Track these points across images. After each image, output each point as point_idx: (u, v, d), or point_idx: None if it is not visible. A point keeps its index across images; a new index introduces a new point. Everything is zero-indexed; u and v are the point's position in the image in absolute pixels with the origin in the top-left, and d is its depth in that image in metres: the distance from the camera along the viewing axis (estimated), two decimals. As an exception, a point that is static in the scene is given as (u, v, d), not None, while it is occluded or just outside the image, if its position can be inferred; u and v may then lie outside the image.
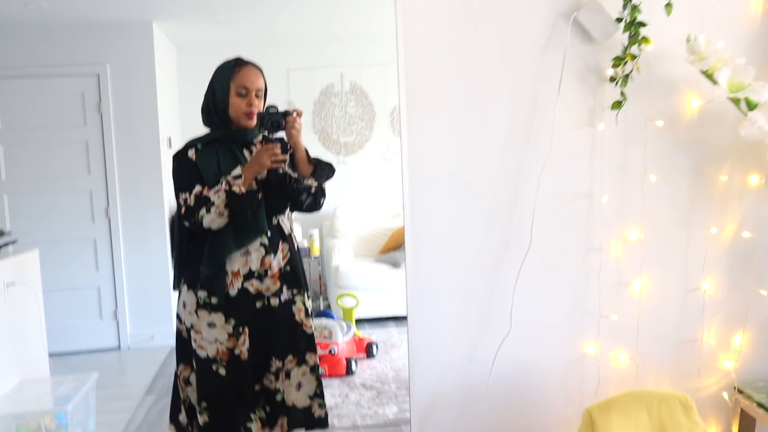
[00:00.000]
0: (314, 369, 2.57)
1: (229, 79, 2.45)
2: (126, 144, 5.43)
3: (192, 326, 2.47)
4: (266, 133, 2.39)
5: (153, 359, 5.20)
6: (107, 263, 5.49)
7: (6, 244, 3.38)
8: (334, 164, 2.42)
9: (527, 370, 2.28)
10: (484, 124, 2.23)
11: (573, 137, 2.25)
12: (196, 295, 2.45)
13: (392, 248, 6.41)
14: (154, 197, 5.50)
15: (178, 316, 2.54)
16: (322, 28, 6.11)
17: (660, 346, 2.35)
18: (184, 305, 2.49)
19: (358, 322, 5.66)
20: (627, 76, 2.24)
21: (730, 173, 2.35)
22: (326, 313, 5.20)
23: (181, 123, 6.43)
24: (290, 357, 2.53)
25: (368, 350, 5.00)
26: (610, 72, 2.27)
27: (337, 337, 4.74)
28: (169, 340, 5.46)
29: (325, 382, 4.36)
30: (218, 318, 2.44)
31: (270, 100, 2.49)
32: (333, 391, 4.31)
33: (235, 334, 2.45)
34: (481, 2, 2.26)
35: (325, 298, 6.59)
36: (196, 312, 2.45)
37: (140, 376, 4.84)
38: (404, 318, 5.94)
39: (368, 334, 5.53)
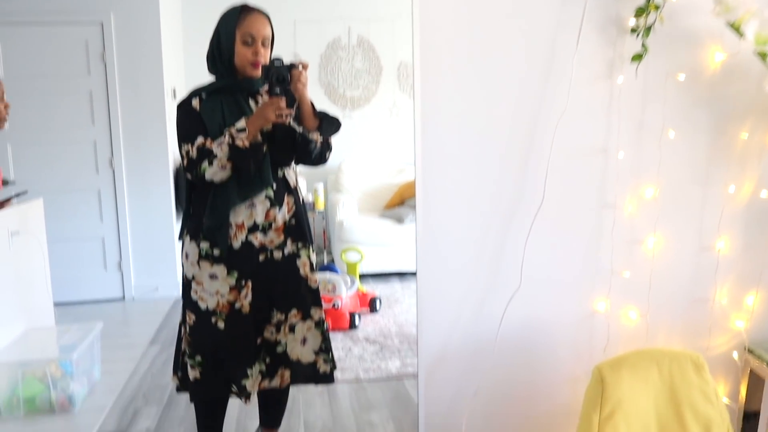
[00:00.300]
0: (319, 324, 2.54)
1: (234, 27, 2.37)
2: (130, 94, 5.38)
3: (193, 277, 2.44)
4: (271, 87, 2.32)
5: (157, 310, 5.23)
6: (111, 214, 5.48)
7: (17, 195, 3.35)
8: (340, 118, 2.37)
9: (536, 326, 2.26)
10: (499, 76, 2.17)
11: (590, 90, 2.18)
12: (198, 246, 2.42)
13: (397, 204, 6.39)
14: (158, 148, 5.45)
15: (182, 267, 2.52)
16: (330, -22, 5.99)
17: (671, 305, 2.33)
18: (187, 256, 2.46)
19: (362, 277, 5.67)
20: (649, 27, 2.17)
21: (751, 131, 2.29)
22: (330, 268, 5.21)
23: (186, 73, 6.36)
24: (294, 311, 2.51)
25: (372, 305, 5.01)
26: (632, 23, 2.20)
27: (341, 291, 4.75)
28: (173, 291, 5.49)
29: (328, 335, 4.40)
30: (220, 270, 2.41)
31: (276, 53, 2.41)
32: (336, 344, 4.33)
33: (237, 287, 2.42)
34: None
35: (329, 253, 6.59)
36: (198, 263, 2.42)
37: (144, 327, 4.86)
38: (408, 274, 6.05)
39: (372, 289, 5.54)
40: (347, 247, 5.57)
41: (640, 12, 2.18)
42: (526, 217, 2.19)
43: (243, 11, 2.39)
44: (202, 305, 2.44)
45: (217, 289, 2.42)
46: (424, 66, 2.11)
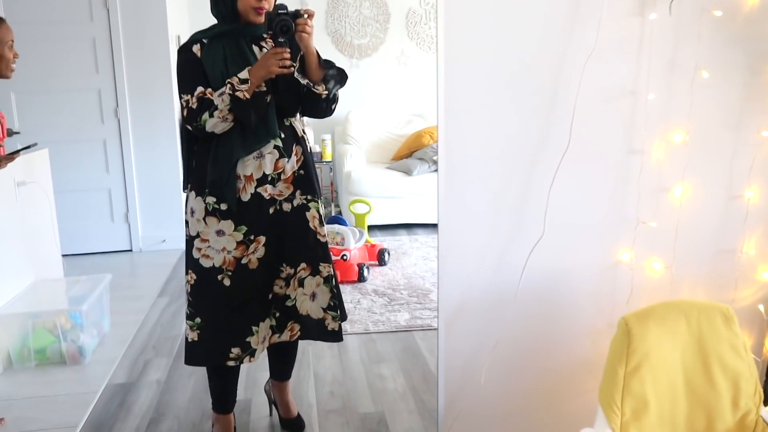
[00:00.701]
0: (328, 280, 2.47)
1: None
2: (134, 42, 5.26)
3: (198, 234, 2.35)
4: (274, 37, 2.21)
5: (165, 262, 5.21)
6: (117, 165, 5.42)
7: (26, 148, 3.27)
8: (347, 67, 2.29)
9: (558, 276, 2.20)
10: (525, 11, 2.05)
11: (620, 27, 2.07)
12: (204, 201, 2.32)
13: (405, 155, 6.32)
14: (163, 97, 5.36)
15: (186, 223, 2.42)
16: None
17: (697, 256, 2.25)
18: (192, 212, 2.36)
19: (369, 228, 5.63)
20: (687, -43, 2.04)
21: (790, 72, 2.19)
22: (338, 219, 5.17)
23: (190, 19, 6.22)
24: (303, 264, 2.43)
25: (380, 257, 4.98)
26: None
27: (350, 243, 4.71)
28: (180, 243, 5.43)
29: (336, 288, 4.38)
30: (228, 225, 2.32)
31: None
32: (345, 297, 4.28)
33: (245, 242, 2.34)
34: None
35: (337, 205, 6.55)
36: (204, 219, 2.33)
37: (153, 279, 4.85)
38: (416, 225, 6.02)
39: (380, 241, 5.51)
40: (355, 199, 5.53)
41: (676, -57, 2.05)
42: (550, 162, 2.11)
43: None
44: (206, 263, 2.35)
45: (224, 245, 2.33)
46: (447, 4, 2.00)
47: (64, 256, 4.51)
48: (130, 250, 5.57)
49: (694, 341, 1.79)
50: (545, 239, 2.13)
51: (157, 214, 5.52)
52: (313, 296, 2.46)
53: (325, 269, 2.46)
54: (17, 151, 3.14)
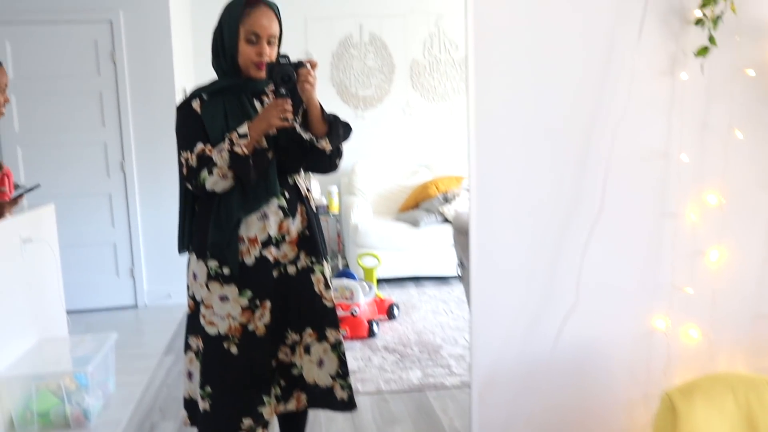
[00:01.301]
0: (336, 346, 2.35)
1: (238, 22, 2.16)
2: (141, 95, 5.26)
3: (202, 300, 2.25)
4: (275, 87, 2.12)
5: (170, 318, 5.11)
6: (123, 219, 5.36)
7: (30, 189, 3.14)
8: (352, 119, 2.22)
9: (591, 344, 2.12)
10: (556, 71, 2.02)
11: (650, 87, 2.04)
12: (206, 265, 2.22)
13: (411, 206, 6.28)
14: (170, 150, 5.26)
15: (187, 291, 2.33)
16: (343, -25, 5.88)
17: (735, 322, 2.19)
18: (195, 276, 2.27)
19: (377, 282, 5.56)
20: (718, 17, 2.01)
21: (826, 131, 2.15)
22: (347, 273, 5.09)
23: (196, 73, 6.23)
24: (309, 330, 2.33)
25: (389, 312, 4.90)
26: (698, 13, 2.04)
27: (359, 298, 4.63)
28: (186, 298, 5.35)
29: (346, 344, 4.27)
30: (231, 290, 2.21)
31: (287, 51, 2.20)
32: (355, 354, 4.21)
33: (250, 308, 2.23)
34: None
35: (344, 257, 6.47)
36: (207, 284, 2.22)
37: (158, 335, 4.75)
38: (424, 278, 5.94)
39: (388, 294, 5.43)
40: (363, 252, 5.46)
41: (707, 1, 2.02)
42: (582, 224, 2.05)
43: (248, 5, 2.18)
44: (212, 330, 2.24)
45: (228, 311, 2.22)
46: (478, 60, 1.97)
47: (68, 312, 4.42)
48: (135, 306, 5.47)
49: (744, 418, 1.70)
50: (577, 304, 2.06)
51: (163, 268, 5.43)
52: (320, 363, 2.34)
53: (332, 335, 2.35)
54: (20, 195, 3.00)
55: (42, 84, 5.12)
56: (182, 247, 2.38)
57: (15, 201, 2.88)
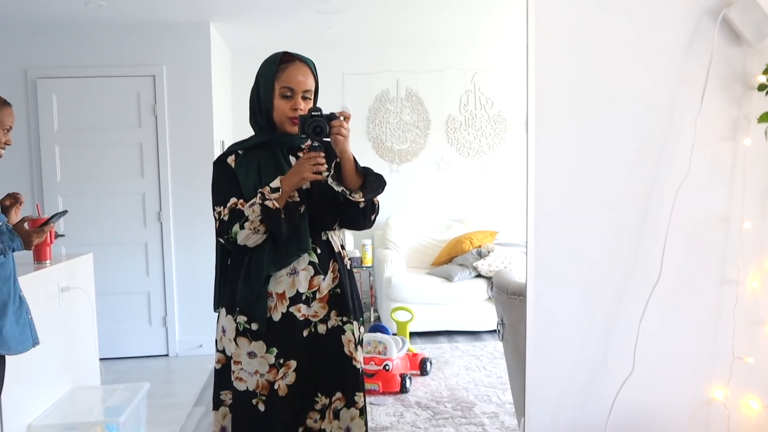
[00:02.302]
0: (363, 412, 2.27)
1: (273, 78, 2.18)
2: (180, 147, 5.34)
3: (232, 356, 2.21)
4: (308, 139, 2.11)
5: (201, 368, 5.08)
6: (158, 268, 5.40)
7: (58, 215, 3.09)
8: (387, 173, 2.20)
9: (648, 412, 2.05)
10: (617, 134, 2.01)
11: (712, 152, 2.01)
12: (235, 320, 2.18)
13: (445, 261, 6.25)
14: (206, 202, 5.29)
15: (216, 346, 2.29)
16: (380, 32, 5.99)
17: (798, 392, 2.12)
18: (224, 331, 2.23)
19: (410, 336, 5.49)
20: (782, 84, 2.00)
21: None
22: (381, 328, 5.03)
23: (234, 127, 6.32)
24: (339, 394, 2.25)
25: (422, 367, 4.83)
26: (762, 79, 2.03)
27: (392, 352, 4.57)
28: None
29: (378, 399, 4.23)
30: (259, 347, 2.17)
31: (325, 106, 2.18)
32: (387, 409, 4.14)
33: (276, 366, 2.18)
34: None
35: (376, 310, 6.43)
36: (235, 340, 2.19)
37: (189, 386, 4.72)
38: (456, 333, 5.86)
39: (420, 349, 5.36)
40: (397, 306, 5.42)
41: (772, 67, 2.01)
42: (640, 290, 2.01)
43: (283, 60, 2.20)
44: (240, 386, 2.20)
45: (256, 368, 2.18)
46: (539, 123, 1.96)
47: (100, 359, 4.41)
48: (167, 355, 5.47)
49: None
50: (634, 371, 2.00)
51: (195, 318, 5.43)
52: (348, 431, 2.26)
53: (360, 400, 2.27)
54: (47, 222, 2.96)
55: (85, 135, 5.25)
56: (218, 305, 2.33)
57: (42, 228, 2.81)
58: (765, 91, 2.02)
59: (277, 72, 2.19)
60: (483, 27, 5.91)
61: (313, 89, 2.23)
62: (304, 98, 2.20)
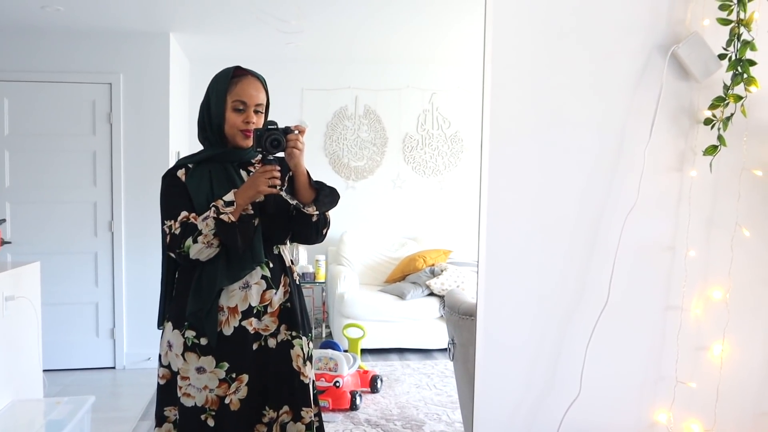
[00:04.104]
0: (310, 427, 2.27)
1: (225, 91, 2.19)
2: (134, 157, 5.27)
3: (178, 371, 2.17)
4: (264, 153, 2.10)
5: (149, 382, 4.98)
6: (107, 279, 5.30)
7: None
8: (343, 189, 2.21)
9: (592, 436, 2.10)
10: (567, 163, 2.06)
11: (659, 183, 2.08)
12: (183, 335, 2.15)
13: (398, 278, 6.27)
14: (159, 213, 5.29)
15: (160, 360, 2.24)
16: (340, 49, 6.01)
17: (738, 419, 2.17)
18: (170, 346, 2.19)
19: (361, 352, 5.48)
20: (728, 119, 2.07)
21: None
22: (333, 344, 5.02)
23: (190, 138, 6.26)
24: (286, 408, 2.25)
25: (372, 384, 4.83)
26: (707, 113, 2.10)
27: (343, 369, 4.56)
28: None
29: (327, 416, 4.21)
30: (208, 361, 2.14)
31: (282, 120, 2.19)
32: (336, 426, 4.12)
33: (226, 380, 2.16)
34: (574, 28, 2.10)
35: (328, 326, 6.40)
36: (183, 355, 2.15)
37: (135, 399, 4.63)
38: (407, 350, 5.87)
39: (371, 366, 5.36)
40: (349, 323, 5.41)
41: (718, 102, 2.09)
42: (588, 316, 2.05)
43: (235, 75, 2.22)
44: (188, 402, 2.16)
45: (205, 383, 2.15)
46: (492, 149, 2.00)
47: (44, 371, 4.30)
48: (113, 367, 5.36)
49: None
50: (580, 394, 2.04)
51: (144, 331, 5.34)
52: None
53: (307, 415, 2.26)
54: None
55: (36, 141, 5.14)
56: (162, 320, 2.29)
57: None
58: (711, 126, 2.10)
59: (229, 86, 2.20)
60: (442, 47, 5.98)
61: (264, 103, 2.25)
62: (256, 112, 2.21)
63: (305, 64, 6.50)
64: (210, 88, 2.24)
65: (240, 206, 2.10)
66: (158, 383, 2.26)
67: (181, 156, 5.67)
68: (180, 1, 4.49)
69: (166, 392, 2.23)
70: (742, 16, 2.09)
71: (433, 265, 6.12)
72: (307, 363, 2.30)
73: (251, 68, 2.27)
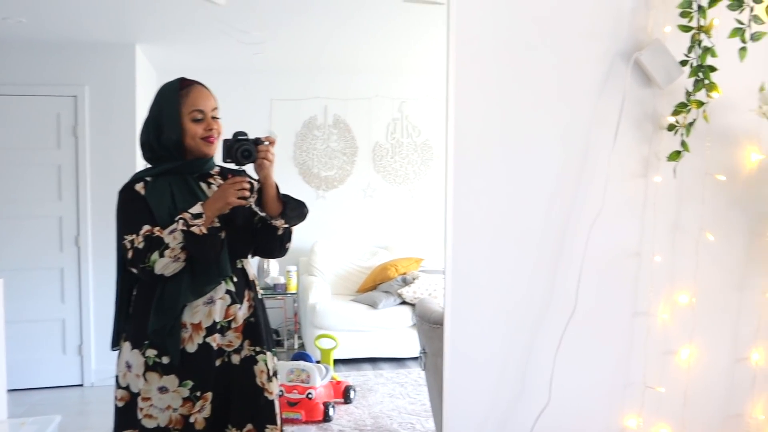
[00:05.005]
0: None
1: (178, 104, 2.13)
2: (101, 170, 5.19)
3: (139, 392, 2.09)
4: (235, 164, 2.08)
5: (118, 399, 4.90)
6: (74, 294, 5.20)
7: None
8: (314, 199, 2.19)
9: (562, 442, 2.10)
10: (533, 171, 2.07)
11: (624, 189, 2.09)
12: (143, 354, 2.08)
13: (370, 288, 6.26)
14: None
15: (117, 382, 2.16)
16: (309, 58, 5.99)
17: (706, 421, 2.19)
18: (129, 367, 2.11)
19: (334, 363, 5.46)
20: (691, 124, 2.09)
21: (788, 233, 2.22)
22: (305, 355, 4.98)
23: (157, 149, 6.19)
24: (249, 426, 2.19)
25: (345, 394, 4.80)
26: (670, 119, 2.12)
27: (315, 380, 4.53)
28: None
29: (301, 429, 4.18)
30: (171, 381, 2.08)
31: (252, 131, 2.17)
32: (311, 439, 4.10)
33: (191, 399, 2.11)
34: (537, 37, 2.11)
35: (300, 338, 6.36)
36: (144, 375, 2.08)
37: (104, 417, 4.50)
38: (380, 360, 5.85)
39: (344, 376, 5.34)
40: (321, 334, 5.39)
41: (680, 108, 2.10)
42: (556, 323, 2.06)
43: (183, 86, 2.18)
44: (150, 423, 2.09)
45: (168, 403, 2.09)
46: (457, 159, 2.00)
47: (9, 390, 4.21)
48: (81, 385, 5.26)
49: None
50: (550, 402, 2.04)
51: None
52: None
53: None
54: None
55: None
56: (118, 341, 2.22)
57: None
58: (674, 131, 2.12)
59: (180, 98, 2.15)
60: (411, 56, 5.99)
61: (218, 109, 2.21)
62: (214, 118, 2.18)
63: (274, 75, 6.47)
64: (159, 105, 2.19)
65: (209, 218, 2.06)
66: (116, 406, 2.18)
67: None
68: (145, 11, 4.45)
69: (125, 415, 2.15)
70: (702, 22, 2.12)
71: (404, 273, 6.12)
72: (273, 379, 2.26)
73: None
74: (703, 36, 2.12)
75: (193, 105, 2.14)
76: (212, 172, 2.25)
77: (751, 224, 2.18)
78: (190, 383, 2.10)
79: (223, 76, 6.32)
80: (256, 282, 2.30)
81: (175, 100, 2.15)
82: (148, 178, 2.17)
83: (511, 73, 2.11)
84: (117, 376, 2.16)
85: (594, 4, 2.16)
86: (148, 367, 2.08)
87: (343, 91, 6.70)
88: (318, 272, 6.40)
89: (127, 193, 2.16)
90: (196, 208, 2.06)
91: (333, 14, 4.59)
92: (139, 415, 2.10)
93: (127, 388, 2.13)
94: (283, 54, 5.72)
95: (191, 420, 2.11)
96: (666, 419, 2.16)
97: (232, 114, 5.68)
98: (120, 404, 2.16)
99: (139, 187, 2.15)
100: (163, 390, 2.09)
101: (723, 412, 2.21)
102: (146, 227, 2.07)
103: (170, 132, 2.13)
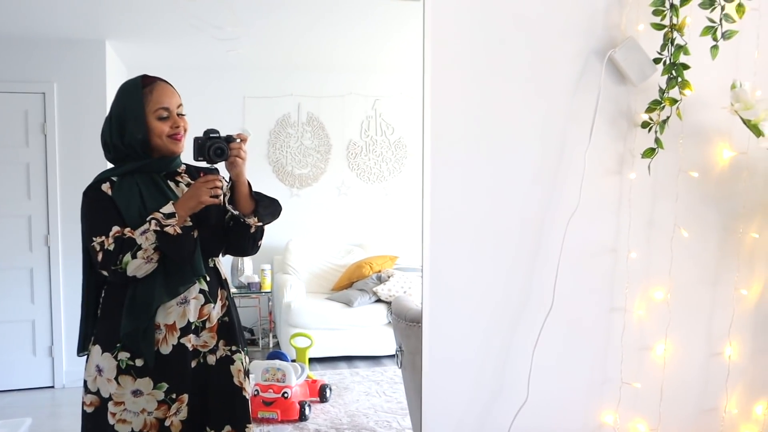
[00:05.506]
0: None
1: (141, 103, 2.08)
2: (71, 168, 5.10)
3: (110, 396, 2.04)
4: (207, 162, 2.05)
5: (90, 400, 4.84)
6: (44, 295, 5.11)
7: None
8: (288, 197, 2.16)
9: (540, 440, 2.11)
10: (509, 168, 2.08)
11: (600, 186, 2.11)
12: (115, 358, 2.04)
13: (345, 286, 6.24)
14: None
15: (86, 386, 2.10)
16: (282, 56, 5.96)
17: (681, 417, 2.21)
18: (100, 371, 2.05)
19: (309, 361, 5.44)
20: (664, 122, 2.11)
21: (760, 230, 2.24)
22: (280, 354, 4.95)
23: (129, 147, 6.11)
24: (228, 428, 2.16)
25: (321, 393, 4.79)
26: (644, 117, 2.14)
27: (291, 380, 4.51)
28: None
29: (277, 428, 4.16)
30: (146, 384, 2.05)
31: (224, 129, 2.14)
32: (286, 439, 4.08)
33: (166, 401, 2.07)
34: (512, 34, 2.11)
35: (275, 336, 6.33)
36: (116, 379, 2.03)
37: (76, 420, 4.36)
38: (356, 358, 5.84)
39: (320, 374, 5.32)
40: (296, 332, 5.36)
41: (654, 106, 2.12)
42: (533, 320, 2.07)
43: (146, 84, 2.13)
44: (124, 428, 2.04)
45: (142, 407, 2.05)
46: (434, 156, 1.99)
47: (-23, 394, 4.16)
48: (52, 387, 5.18)
49: None
50: (528, 399, 2.05)
51: (84, 347, 5.18)
52: None
53: None
54: None
55: (-36, 153, 4.93)
56: (86, 345, 2.17)
57: None
58: (648, 129, 2.14)
59: (144, 96, 2.11)
60: (384, 54, 5.98)
61: (182, 105, 2.17)
62: (179, 115, 2.14)
63: (247, 72, 6.42)
64: (120, 104, 2.14)
65: (182, 218, 2.02)
66: (84, 411, 2.12)
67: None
68: (116, 7, 4.38)
69: (94, 420, 2.09)
70: (675, 21, 2.14)
71: (379, 271, 6.12)
72: (247, 378, 2.24)
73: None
74: (675, 34, 2.14)
75: (158, 103, 2.10)
76: (179, 170, 2.21)
77: (723, 220, 2.21)
78: (165, 385, 2.07)
79: (195, 73, 6.28)
80: (228, 281, 2.28)
81: (139, 98, 2.10)
82: (114, 178, 2.12)
83: (487, 71, 2.11)
84: (85, 381, 2.10)
85: (569, 2, 2.17)
86: (121, 371, 2.04)
87: (316, 88, 6.67)
88: (292, 270, 6.37)
89: (93, 193, 2.11)
90: (168, 208, 2.02)
91: (307, 11, 4.57)
92: (112, 420, 2.05)
93: (97, 392, 2.08)
94: (257, 51, 5.68)
95: (167, 423, 2.08)
96: (642, 414, 2.17)
97: (205, 112, 5.67)
98: (89, 410, 2.10)
99: (106, 187, 2.10)
100: (137, 393, 2.05)
101: (698, 406, 2.23)
102: (116, 228, 2.02)
103: (135, 131, 2.09)
